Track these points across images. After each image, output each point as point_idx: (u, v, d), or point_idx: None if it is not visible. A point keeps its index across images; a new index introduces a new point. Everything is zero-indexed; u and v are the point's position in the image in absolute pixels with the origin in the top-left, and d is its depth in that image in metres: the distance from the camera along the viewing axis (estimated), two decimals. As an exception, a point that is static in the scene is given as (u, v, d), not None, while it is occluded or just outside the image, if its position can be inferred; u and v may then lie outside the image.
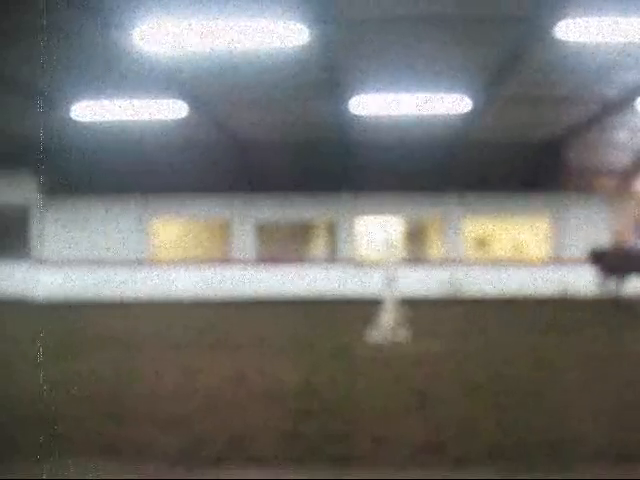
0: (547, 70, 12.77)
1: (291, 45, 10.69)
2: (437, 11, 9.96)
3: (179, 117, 15.78)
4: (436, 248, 22.49)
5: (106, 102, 14.52)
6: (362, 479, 4.23)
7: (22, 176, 20.39)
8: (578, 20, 9.69)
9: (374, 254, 20.42)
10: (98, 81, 13.23)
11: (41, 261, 20.43)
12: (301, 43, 10.58)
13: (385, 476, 4.24)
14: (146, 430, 5.23)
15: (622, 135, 19.30)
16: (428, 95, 14.08)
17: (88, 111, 15.06)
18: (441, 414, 5.68)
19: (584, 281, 19.65)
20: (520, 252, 22.68)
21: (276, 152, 20.58)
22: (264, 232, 21.57)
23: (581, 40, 10.61)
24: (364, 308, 12.14)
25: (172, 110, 15.00)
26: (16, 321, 14.31)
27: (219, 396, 6.41)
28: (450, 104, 14.65)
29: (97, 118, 15.69)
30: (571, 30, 9.99)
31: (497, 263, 20.57)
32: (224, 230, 21.87)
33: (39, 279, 20.06)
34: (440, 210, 21.16)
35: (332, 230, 21.98)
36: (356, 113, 15.58)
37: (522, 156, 20.79)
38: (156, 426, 5.32)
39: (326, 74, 12.99)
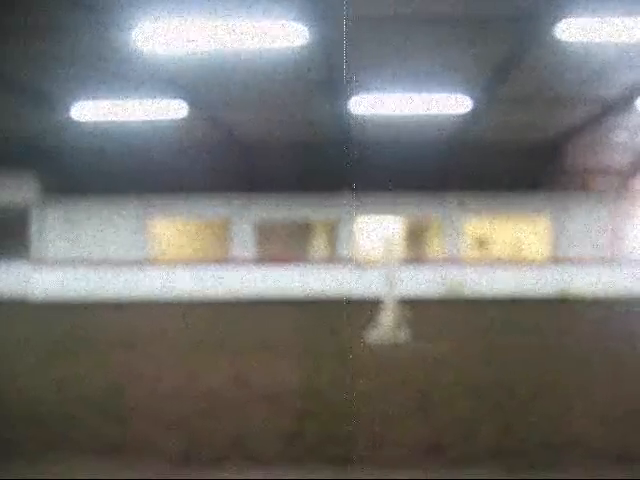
0: (547, 70, 12.77)
1: (291, 45, 10.69)
2: (437, 11, 9.97)
3: (179, 117, 15.79)
4: (436, 248, 22.50)
5: (106, 102, 14.53)
6: (362, 479, 4.23)
7: (22, 176, 20.40)
8: (578, 20, 9.69)
9: (374, 254, 20.43)
10: (98, 81, 13.24)
11: (41, 261, 20.44)
12: (301, 43, 10.58)
13: (385, 476, 4.24)
14: (146, 431, 5.23)
15: (622, 135, 19.31)
16: (428, 95, 14.09)
17: (88, 111, 15.06)
18: (441, 415, 5.68)
19: (584, 281, 19.70)
20: (520, 252, 22.69)
21: (276, 152, 20.60)
22: (264, 232, 21.58)
23: (581, 40, 10.62)
24: (364, 308, 12.14)
25: (172, 110, 15.00)
26: (16, 321, 14.31)
27: (219, 396, 6.40)
28: (450, 104, 14.65)
29: (97, 118, 15.70)
30: (571, 30, 9.99)
31: (497, 263, 20.57)
32: (224, 230, 21.87)
33: (39, 279, 20.06)
34: (440, 210, 21.16)
35: (332, 230, 21.99)
36: (356, 113, 15.59)
37: (522, 156, 20.81)
38: (157, 427, 5.32)
39: (326, 74, 12.99)
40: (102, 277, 20.10)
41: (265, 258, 21.06)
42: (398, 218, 22.39)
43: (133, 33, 10.06)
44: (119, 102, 14.43)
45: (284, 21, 9.71)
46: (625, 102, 15.30)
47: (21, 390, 6.75)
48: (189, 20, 9.60)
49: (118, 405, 6.06)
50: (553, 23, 9.92)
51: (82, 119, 15.83)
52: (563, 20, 9.73)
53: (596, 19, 9.64)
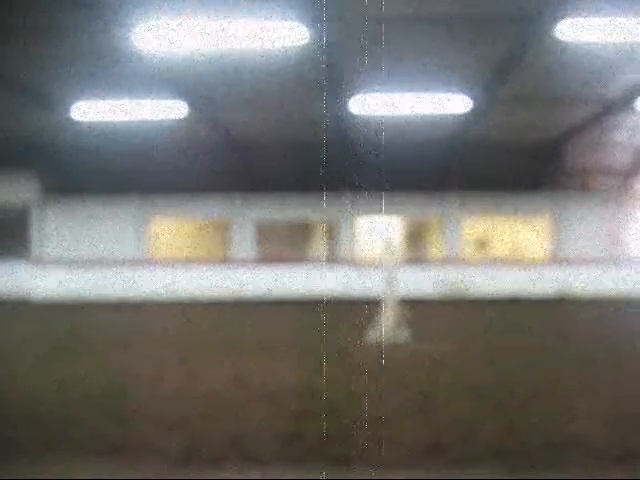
0: (547, 70, 12.77)
1: (291, 45, 10.68)
2: (437, 11, 9.97)
3: (179, 117, 15.78)
4: (436, 248, 22.49)
5: (106, 102, 14.52)
6: (362, 479, 4.23)
7: (22, 176, 20.38)
8: (578, 20, 9.69)
9: (374, 254, 20.40)
10: (98, 81, 13.24)
11: (41, 261, 20.42)
12: (301, 43, 10.58)
13: (385, 476, 4.23)
14: (146, 431, 5.23)
15: (622, 135, 19.30)
16: (428, 95, 14.08)
17: (88, 111, 15.06)
18: (441, 415, 5.67)
19: (584, 281, 19.68)
20: (520, 252, 22.68)
21: (276, 152, 20.58)
22: (264, 232, 21.57)
23: (581, 40, 10.61)
24: (364, 308, 12.13)
25: (172, 110, 15.00)
26: (16, 321, 14.30)
27: (219, 396, 6.40)
28: (450, 104, 14.65)
29: (97, 118, 15.69)
30: (571, 30, 9.98)
31: (497, 263, 20.56)
32: (224, 230, 21.86)
33: (39, 279, 20.05)
34: (440, 210, 21.14)
35: (332, 230, 21.98)
36: (356, 113, 15.58)
37: (522, 156, 20.78)
38: (157, 427, 5.32)
39: (326, 74, 12.98)
40: (102, 277, 20.08)
41: (265, 258, 21.05)
42: (398, 218, 22.37)
43: (133, 33, 10.06)
44: (119, 102, 14.42)
45: (284, 21, 9.71)
46: (625, 102, 15.30)
47: (21, 390, 6.75)
48: (189, 20, 9.60)
49: (118, 405, 6.06)
50: (553, 23, 9.92)
51: (82, 119, 15.82)
52: (563, 20, 9.73)
53: (596, 19, 9.64)
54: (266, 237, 21.71)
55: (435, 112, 15.34)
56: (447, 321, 13.54)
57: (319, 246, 23.51)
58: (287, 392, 6.53)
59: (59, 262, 20.37)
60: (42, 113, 16.05)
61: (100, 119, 15.82)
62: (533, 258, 21.78)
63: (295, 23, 9.76)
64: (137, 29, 9.85)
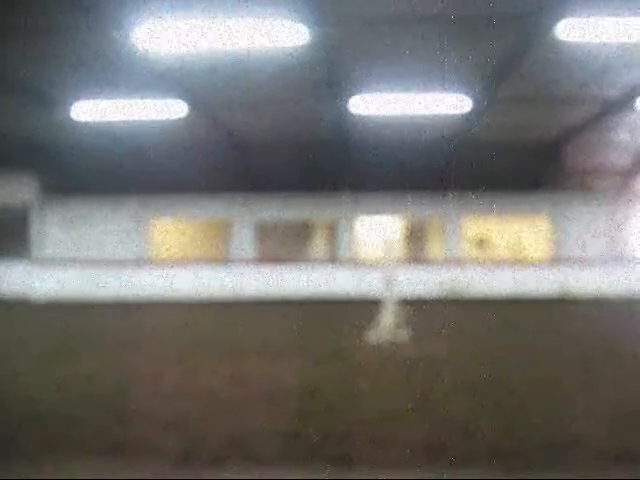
0: (547, 70, 12.77)
1: (291, 45, 10.69)
2: (437, 11, 9.97)
3: (179, 117, 15.78)
4: (436, 248, 22.50)
5: (106, 102, 14.52)
6: (362, 479, 4.23)
7: (22, 176, 20.39)
8: (578, 20, 9.69)
9: (374, 254, 20.41)
10: (98, 81, 13.24)
11: (41, 261, 20.43)
12: (301, 43, 10.58)
13: (385, 476, 4.24)
14: (146, 431, 5.23)
15: (622, 135, 19.30)
16: (428, 95, 14.09)
17: (88, 111, 15.06)
18: (441, 415, 5.68)
19: (584, 281, 19.69)
20: (520, 252, 22.68)
21: (276, 152, 20.58)
22: (264, 232, 21.57)
23: (581, 40, 10.61)
24: (364, 308, 12.14)
25: (172, 110, 15.00)
26: (16, 321, 14.31)
27: (219, 397, 6.40)
28: (450, 104, 14.65)
29: (97, 118, 15.69)
30: (571, 30, 9.99)
31: (497, 263, 20.56)
32: (224, 230, 21.87)
33: (39, 279, 20.05)
34: (440, 210, 21.15)
35: (332, 230, 21.98)
36: (356, 113, 15.59)
37: (522, 156, 20.79)
38: (156, 427, 5.32)
39: (326, 74, 12.99)
40: (102, 277, 20.08)
41: (265, 258, 21.05)
42: (398, 218, 22.38)
43: (133, 33, 10.06)
44: (119, 102, 14.42)
45: (284, 21, 9.71)
46: (625, 102, 15.30)
47: (21, 390, 6.75)
48: (189, 20, 9.60)
49: (119, 405, 6.06)
50: (553, 23, 9.92)
51: (82, 119, 15.82)
52: (563, 20, 9.73)
53: (596, 19, 9.64)
54: (266, 237, 21.71)
55: (435, 112, 15.34)
56: (447, 321, 13.54)
57: (319, 246, 23.52)
58: (287, 392, 6.53)
59: (59, 262, 20.37)
60: (42, 113, 16.05)
61: (100, 119, 15.82)
62: (533, 258, 21.79)
63: (295, 23, 9.76)
64: (137, 29, 9.86)
